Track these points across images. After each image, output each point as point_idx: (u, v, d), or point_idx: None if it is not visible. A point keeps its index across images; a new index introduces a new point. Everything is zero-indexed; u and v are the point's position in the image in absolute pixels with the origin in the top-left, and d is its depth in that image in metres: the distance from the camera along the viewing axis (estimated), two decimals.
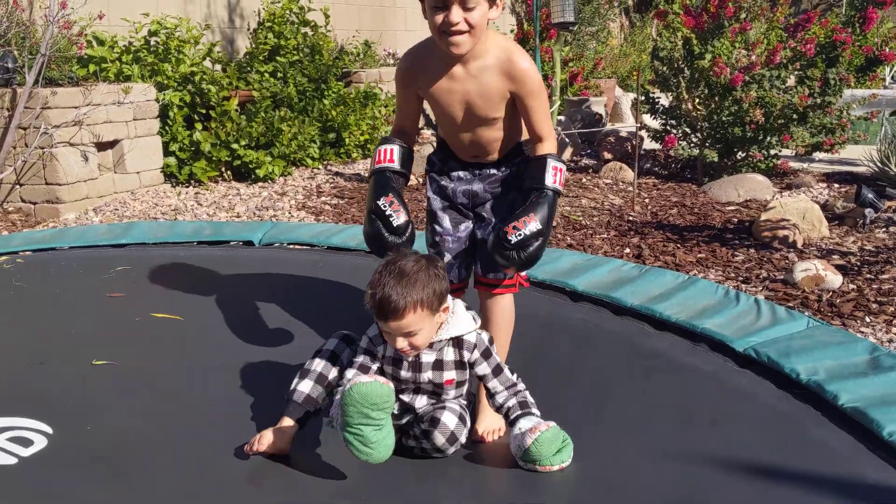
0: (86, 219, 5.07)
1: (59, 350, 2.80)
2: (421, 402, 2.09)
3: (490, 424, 2.23)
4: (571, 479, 1.96)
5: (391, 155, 2.28)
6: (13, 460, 2.07)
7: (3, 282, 3.58)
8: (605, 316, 3.09)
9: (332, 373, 2.10)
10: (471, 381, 2.14)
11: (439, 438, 1.99)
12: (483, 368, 2.05)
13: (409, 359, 2.03)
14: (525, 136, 2.31)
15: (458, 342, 2.04)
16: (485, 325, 2.36)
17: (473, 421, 2.22)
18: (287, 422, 2.07)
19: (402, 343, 1.95)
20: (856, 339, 2.68)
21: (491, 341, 2.08)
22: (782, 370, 2.50)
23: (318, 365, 2.11)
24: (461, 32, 2.03)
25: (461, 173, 2.35)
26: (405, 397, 2.08)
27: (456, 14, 2.01)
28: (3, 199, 5.18)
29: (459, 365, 2.05)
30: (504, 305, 2.35)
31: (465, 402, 2.14)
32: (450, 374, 2.05)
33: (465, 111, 2.21)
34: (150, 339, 2.91)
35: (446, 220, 2.39)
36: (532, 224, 2.11)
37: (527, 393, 2.08)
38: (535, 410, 2.05)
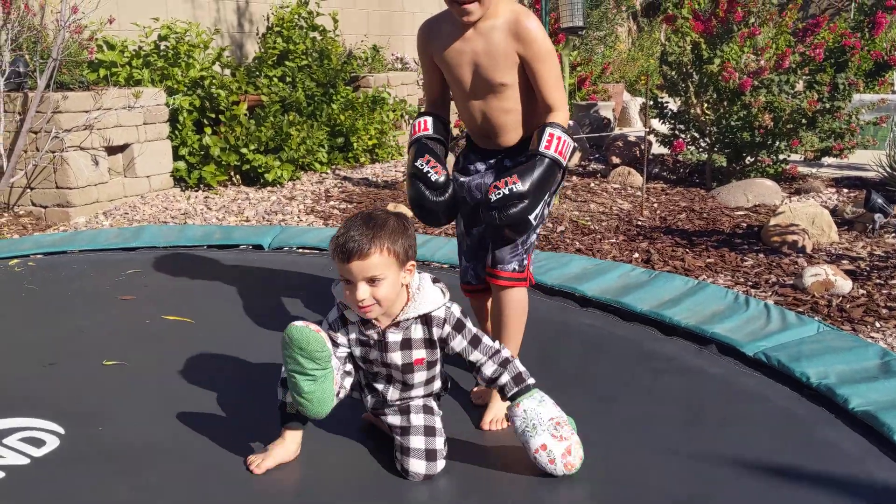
0: (96, 222, 5.09)
1: (70, 351, 2.81)
2: (394, 395, 2.05)
3: (497, 413, 2.23)
4: (581, 478, 1.96)
5: (425, 125, 2.36)
6: (25, 461, 2.08)
7: (14, 284, 3.61)
8: (615, 321, 3.09)
9: None
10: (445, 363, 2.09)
11: (415, 480, 1.97)
12: (459, 342, 1.97)
13: (375, 337, 1.97)
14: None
15: (426, 319, 1.97)
16: (496, 319, 2.37)
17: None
18: (287, 433, 2.05)
19: (363, 293, 1.85)
20: (866, 344, 2.68)
21: (464, 313, 2.01)
22: (792, 374, 2.50)
23: None
24: (471, 1, 2.13)
25: (478, 165, 2.38)
26: (379, 385, 2.06)
27: None
28: (14, 202, 5.21)
29: (429, 343, 1.99)
30: (515, 298, 2.34)
31: (437, 389, 2.08)
32: (419, 353, 1.99)
33: (474, 73, 2.25)
34: (161, 340, 2.93)
35: (461, 223, 2.42)
36: (514, 185, 2.11)
37: (516, 361, 2.00)
38: (529, 381, 1.98)
